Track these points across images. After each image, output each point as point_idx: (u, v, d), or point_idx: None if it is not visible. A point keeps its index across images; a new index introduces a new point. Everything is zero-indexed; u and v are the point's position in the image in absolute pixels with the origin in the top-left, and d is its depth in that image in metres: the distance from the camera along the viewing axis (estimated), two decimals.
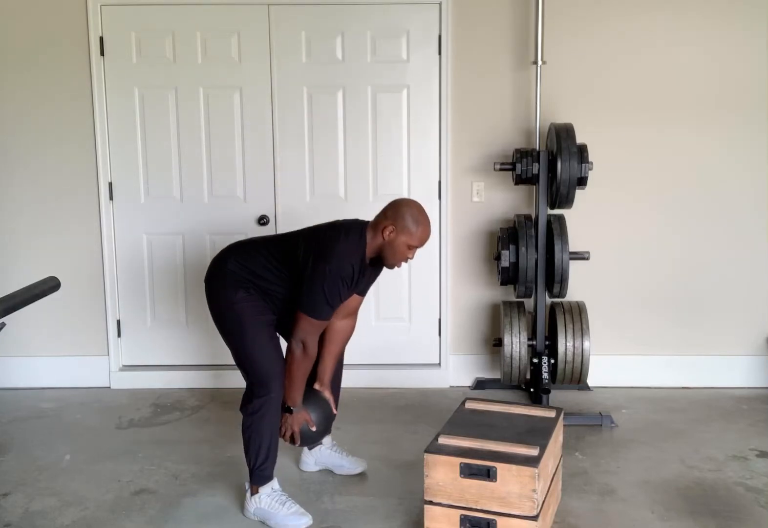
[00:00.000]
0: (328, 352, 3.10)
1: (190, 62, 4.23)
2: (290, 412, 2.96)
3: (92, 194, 4.31)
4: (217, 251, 4.35)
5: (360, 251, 2.84)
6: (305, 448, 3.30)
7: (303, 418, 2.99)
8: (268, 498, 2.90)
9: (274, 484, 2.95)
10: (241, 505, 3.00)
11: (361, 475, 3.27)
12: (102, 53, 4.21)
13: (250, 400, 2.92)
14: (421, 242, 2.89)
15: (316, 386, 3.10)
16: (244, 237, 4.30)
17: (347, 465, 3.27)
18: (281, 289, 2.93)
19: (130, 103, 4.26)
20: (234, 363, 2.97)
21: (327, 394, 3.12)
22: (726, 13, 4.11)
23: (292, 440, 3.02)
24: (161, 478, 3.28)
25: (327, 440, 3.28)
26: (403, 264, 2.95)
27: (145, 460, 3.46)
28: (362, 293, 3.09)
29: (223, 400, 4.20)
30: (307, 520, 2.87)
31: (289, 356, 2.90)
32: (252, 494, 2.94)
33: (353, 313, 3.15)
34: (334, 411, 3.16)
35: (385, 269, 3.03)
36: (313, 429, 3.03)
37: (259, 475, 2.93)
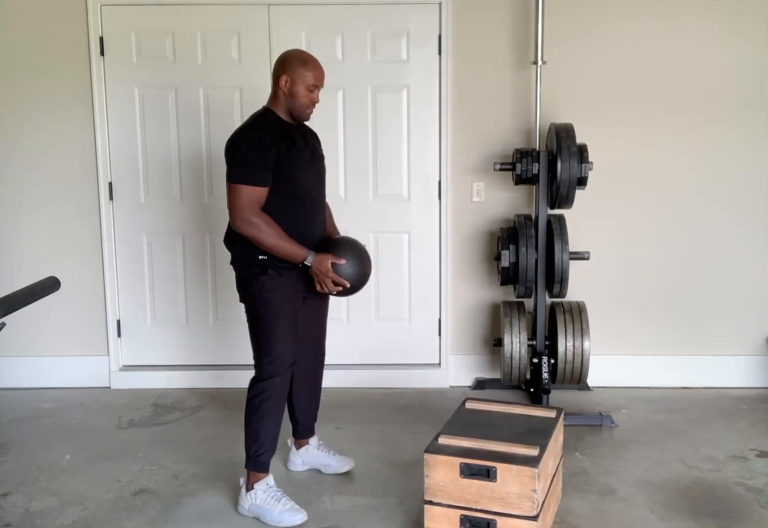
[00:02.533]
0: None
1: (190, 62, 4.23)
2: (307, 266, 2.82)
3: (92, 194, 4.31)
4: (217, 251, 4.40)
5: (265, 117, 2.88)
6: (293, 448, 3.29)
7: (326, 258, 2.83)
8: (264, 494, 2.90)
9: (270, 479, 2.94)
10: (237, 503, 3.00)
11: (362, 475, 3.27)
12: (102, 53, 4.21)
13: (255, 383, 2.92)
14: (317, 79, 2.89)
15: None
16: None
17: (334, 464, 3.26)
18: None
19: (130, 103, 4.26)
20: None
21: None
22: (726, 12, 4.11)
23: (339, 289, 2.85)
24: (161, 478, 3.28)
25: (314, 440, 3.28)
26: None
27: (145, 460, 3.46)
28: (320, 165, 3.05)
29: (223, 400, 4.20)
30: (303, 516, 2.87)
31: (254, 236, 2.77)
32: (247, 490, 2.93)
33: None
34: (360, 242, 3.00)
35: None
36: (343, 262, 2.83)
37: (255, 461, 2.92)
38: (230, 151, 2.83)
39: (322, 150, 3.12)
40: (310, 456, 3.28)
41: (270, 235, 2.78)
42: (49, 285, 2.42)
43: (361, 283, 2.95)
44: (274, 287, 2.87)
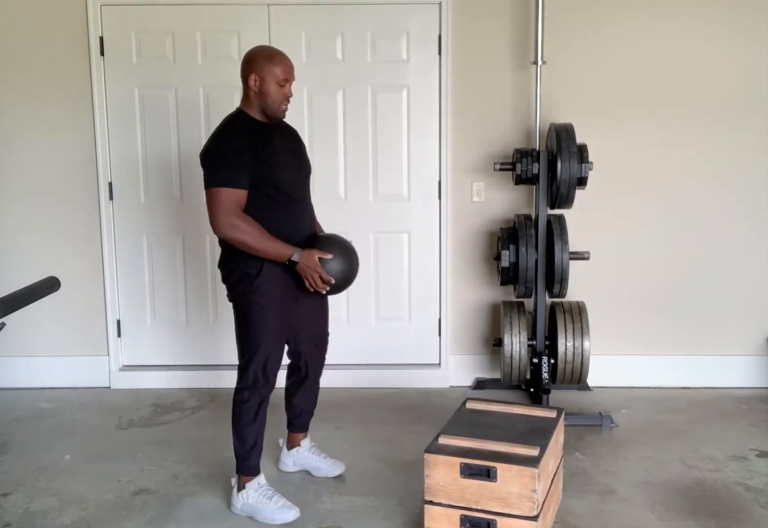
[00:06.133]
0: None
1: (190, 62, 4.23)
2: (294, 262, 2.77)
3: (92, 194, 4.31)
4: (217, 251, 4.39)
5: (237, 120, 2.84)
6: (284, 448, 3.29)
7: (312, 253, 2.78)
8: (255, 493, 2.91)
9: (261, 479, 2.95)
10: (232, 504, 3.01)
11: (362, 475, 3.27)
12: (102, 53, 4.21)
13: (239, 390, 2.91)
14: (286, 73, 2.84)
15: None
16: None
17: (324, 467, 3.24)
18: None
19: (130, 103, 4.26)
20: (234, 363, 2.96)
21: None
22: (726, 12, 4.11)
23: (327, 288, 2.82)
24: (161, 478, 3.28)
25: (305, 442, 3.27)
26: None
27: (145, 460, 3.46)
28: (303, 164, 3.00)
29: (223, 400, 4.19)
30: (295, 513, 2.88)
31: (239, 238, 2.74)
32: (239, 490, 2.94)
33: None
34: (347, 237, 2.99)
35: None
36: (329, 256, 2.80)
37: (245, 466, 2.93)
38: (206, 157, 2.79)
39: (304, 148, 3.07)
40: (301, 458, 3.27)
41: (255, 236, 2.73)
42: (49, 285, 2.43)
43: (350, 277, 2.91)
44: (267, 289, 2.83)
